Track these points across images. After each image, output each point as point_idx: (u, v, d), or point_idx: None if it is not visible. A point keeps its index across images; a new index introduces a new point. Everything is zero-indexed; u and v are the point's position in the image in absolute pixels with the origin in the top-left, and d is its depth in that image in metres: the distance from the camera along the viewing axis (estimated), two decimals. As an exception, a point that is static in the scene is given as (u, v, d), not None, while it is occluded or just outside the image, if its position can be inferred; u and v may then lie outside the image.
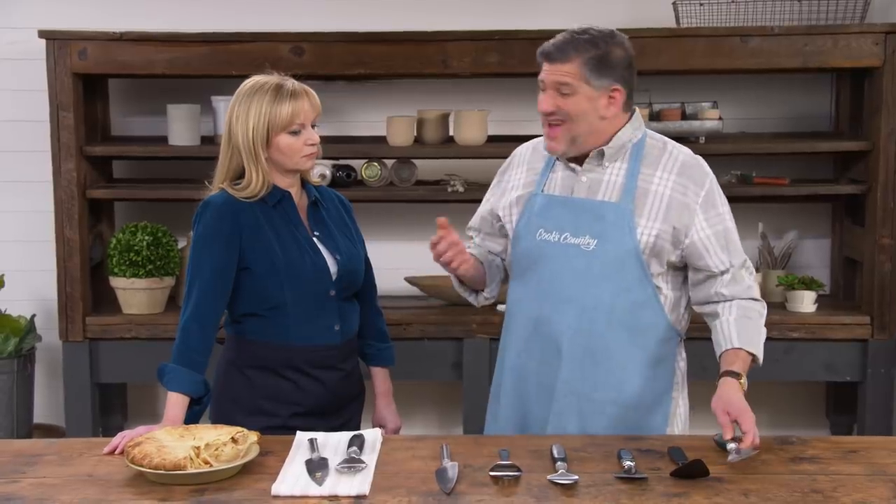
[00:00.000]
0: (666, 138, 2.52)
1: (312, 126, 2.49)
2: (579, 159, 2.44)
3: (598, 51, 2.34)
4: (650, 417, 2.42)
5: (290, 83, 2.47)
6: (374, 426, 2.67)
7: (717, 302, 2.41)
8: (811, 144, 3.94)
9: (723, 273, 2.40)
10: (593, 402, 2.39)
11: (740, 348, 2.33)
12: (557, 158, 2.50)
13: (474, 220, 2.69)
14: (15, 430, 3.94)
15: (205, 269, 2.44)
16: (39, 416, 4.20)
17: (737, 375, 2.28)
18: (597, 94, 2.35)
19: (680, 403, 2.49)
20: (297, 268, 2.47)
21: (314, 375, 2.52)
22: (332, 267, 2.53)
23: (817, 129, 4.21)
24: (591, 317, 2.38)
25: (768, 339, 3.77)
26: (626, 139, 2.43)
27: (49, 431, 4.15)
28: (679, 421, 2.48)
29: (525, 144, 2.63)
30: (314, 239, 2.53)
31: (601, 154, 2.42)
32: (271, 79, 2.48)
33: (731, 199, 3.98)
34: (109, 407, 4.16)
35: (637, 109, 2.48)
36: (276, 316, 2.49)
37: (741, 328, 2.36)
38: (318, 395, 2.53)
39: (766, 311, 2.44)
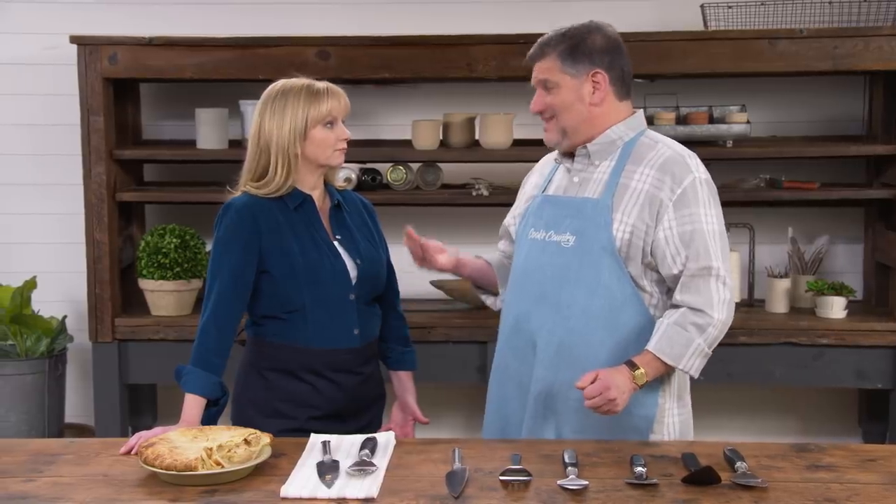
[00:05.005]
0: (664, 137, 2.45)
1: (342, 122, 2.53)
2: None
3: (572, 41, 2.38)
4: (630, 421, 2.33)
5: (319, 83, 2.52)
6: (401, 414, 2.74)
7: (675, 308, 2.31)
8: (842, 148, 3.89)
9: (681, 274, 2.29)
10: (568, 402, 2.35)
11: (654, 354, 2.25)
12: (555, 160, 2.52)
13: (501, 228, 2.71)
14: (46, 430, 3.99)
15: (224, 272, 2.47)
16: (71, 415, 4.25)
17: (633, 366, 2.23)
18: (579, 82, 2.38)
19: (675, 413, 2.39)
20: (315, 271, 2.49)
21: (332, 378, 2.53)
22: (352, 271, 2.54)
23: (849, 132, 4.14)
24: (566, 314, 2.35)
25: (796, 344, 3.79)
26: (616, 136, 2.41)
27: (80, 431, 4.19)
28: (670, 430, 2.38)
29: (548, 154, 2.64)
30: (335, 242, 2.54)
31: (588, 153, 2.41)
32: (300, 80, 2.52)
33: (760, 204, 4.01)
34: (140, 408, 4.19)
35: (640, 112, 2.46)
36: (296, 319, 2.50)
37: (665, 333, 2.26)
38: (335, 398, 2.54)
39: (716, 330, 2.28)
